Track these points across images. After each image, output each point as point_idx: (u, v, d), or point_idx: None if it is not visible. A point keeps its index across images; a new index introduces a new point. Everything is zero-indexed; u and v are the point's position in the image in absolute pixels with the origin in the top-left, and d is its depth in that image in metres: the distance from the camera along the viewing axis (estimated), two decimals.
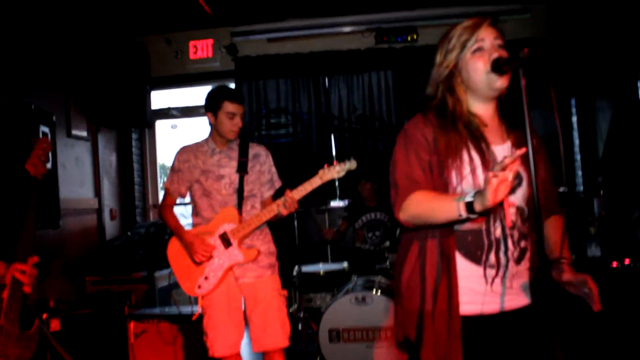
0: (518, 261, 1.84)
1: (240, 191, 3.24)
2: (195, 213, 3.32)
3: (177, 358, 4.01)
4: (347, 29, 5.93)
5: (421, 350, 1.83)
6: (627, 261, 3.78)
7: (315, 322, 4.24)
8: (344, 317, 3.83)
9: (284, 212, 3.08)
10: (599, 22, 4.98)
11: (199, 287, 3.17)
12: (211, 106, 3.19)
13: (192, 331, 3.96)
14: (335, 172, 3.07)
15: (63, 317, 3.81)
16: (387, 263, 4.48)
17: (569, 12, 5.22)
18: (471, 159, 1.82)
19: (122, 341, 4.04)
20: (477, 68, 1.83)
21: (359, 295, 3.84)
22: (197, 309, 3.25)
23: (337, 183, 5.89)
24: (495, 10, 5.50)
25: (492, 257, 1.83)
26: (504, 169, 1.49)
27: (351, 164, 3.06)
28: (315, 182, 3.06)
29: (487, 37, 1.84)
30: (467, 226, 1.84)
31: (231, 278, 3.20)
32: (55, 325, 3.79)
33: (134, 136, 6.22)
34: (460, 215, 1.64)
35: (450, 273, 1.82)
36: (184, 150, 3.33)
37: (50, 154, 2.80)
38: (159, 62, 6.05)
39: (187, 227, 3.33)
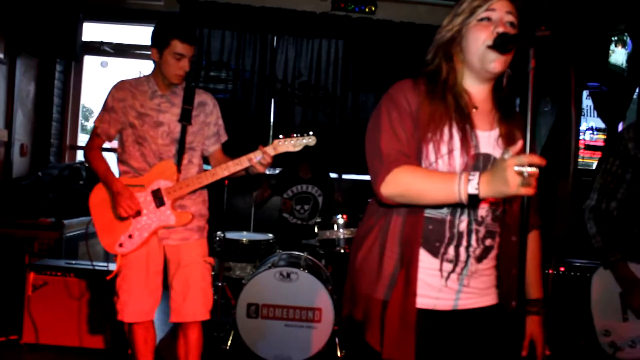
0: (479, 259, 1.70)
1: (181, 143, 2.90)
2: (122, 161, 2.94)
3: (80, 319, 3.67)
4: None
5: (366, 333, 1.74)
6: (562, 269, 3.78)
7: (233, 293, 4.02)
8: (265, 292, 3.62)
9: (261, 168, 2.79)
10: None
11: (121, 245, 2.85)
12: (157, 42, 2.80)
13: (103, 290, 3.64)
14: (291, 145, 2.80)
15: None
16: (316, 240, 4.31)
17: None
18: (451, 138, 1.64)
19: (17, 293, 3.66)
20: (477, 38, 1.64)
21: (284, 270, 3.64)
22: (115, 267, 2.91)
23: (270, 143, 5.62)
24: None
25: (450, 251, 1.68)
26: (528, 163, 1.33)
27: (309, 140, 2.79)
28: (268, 152, 2.77)
29: (499, 9, 1.65)
30: (430, 212, 1.67)
31: (154, 239, 2.90)
32: None
33: (58, 68, 5.68)
34: (460, 200, 1.48)
35: (411, 263, 1.66)
36: (120, 87, 2.93)
37: None
38: None
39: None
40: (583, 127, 6.45)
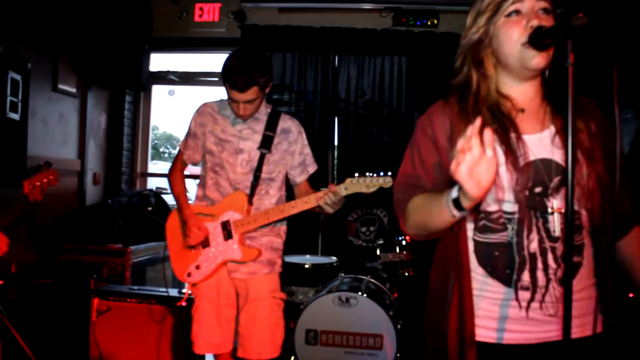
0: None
1: (257, 172, 2.79)
2: (200, 186, 2.93)
3: (147, 346, 3.59)
4: (364, 5, 5.46)
5: None
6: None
7: (293, 319, 3.92)
8: (324, 318, 3.49)
9: (330, 210, 2.64)
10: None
11: (189, 274, 2.84)
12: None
13: (176, 317, 3.55)
14: (364, 185, 2.60)
15: (21, 285, 3.49)
16: (379, 262, 4.14)
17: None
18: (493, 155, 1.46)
19: (83, 318, 3.70)
20: (510, 37, 1.46)
21: (343, 295, 3.50)
22: (185, 293, 2.97)
23: (335, 169, 5.53)
24: None
25: (525, 277, 1.46)
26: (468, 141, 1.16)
27: (385, 181, 2.57)
28: (339, 192, 2.62)
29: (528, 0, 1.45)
30: (493, 237, 1.48)
31: (224, 270, 2.85)
32: (11, 293, 3.49)
33: (127, 98, 5.85)
34: (453, 216, 1.31)
35: (463, 292, 1.47)
36: (202, 111, 2.89)
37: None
38: (161, 21, 5.67)
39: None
40: None
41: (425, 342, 1.64)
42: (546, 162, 1.48)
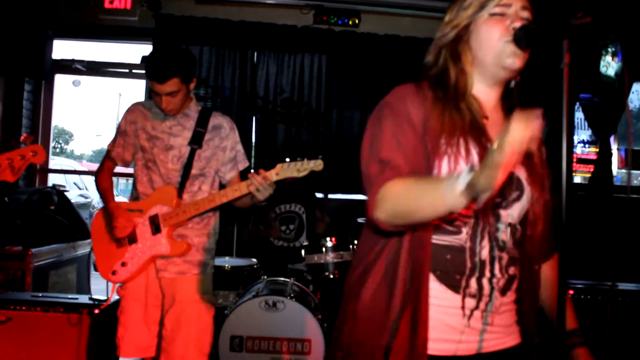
0: (504, 291, 1.45)
1: (187, 167, 2.71)
2: (133, 185, 2.84)
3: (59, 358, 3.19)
4: (286, 1, 5.37)
5: None
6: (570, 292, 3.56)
7: (216, 324, 3.76)
8: (249, 324, 3.36)
9: (260, 197, 2.55)
10: None
11: (114, 272, 2.70)
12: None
13: (93, 324, 3.17)
14: (295, 170, 2.54)
15: None
16: (303, 264, 4.05)
17: None
18: (468, 153, 1.38)
19: None
20: (492, 34, 1.41)
21: (270, 299, 3.39)
22: (109, 297, 2.82)
23: (252, 168, 5.38)
24: (445, 6, 5.18)
25: (473, 284, 1.41)
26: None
27: (316, 165, 2.53)
28: (269, 177, 2.54)
29: (515, 3, 1.42)
30: (446, 239, 1.41)
31: (152, 270, 2.71)
32: None
33: (27, 87, 5.40)
34: (455, 207, 1.16)
35: (419, 299, 1.37)
36: (132, 109, 2.83)
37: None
38: (68, 6, 5.29)
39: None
40: (574, 140, 6.30)
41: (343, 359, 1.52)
42: (509, 175, 1.43)
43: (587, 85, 5.23)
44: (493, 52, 1.42)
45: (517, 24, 1.38)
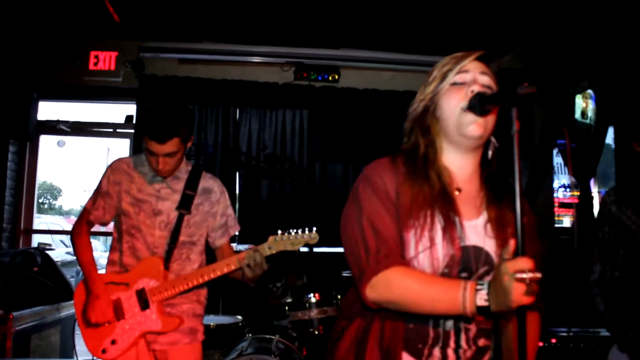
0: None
1: (174, 234, 2.56)
2: (113, 248, 2.66)
3: None
4: (266, 59, 5.52)
5: None
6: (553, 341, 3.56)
7: None
8: None
9: (250, 274, 2.44)
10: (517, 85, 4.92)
11: (104, 350, 2.53)
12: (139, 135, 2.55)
13: None
14: (289, 243, 2.45)
15: None
16: (287, 321, 4.02)
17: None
18: (432, 228, 1.42)
19: None
20: (451, 104, 1.46)
21: (254, 358, 3.35)
22: None
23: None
24: (419, 60, 5.33)
25: (436, 353, 1.44)
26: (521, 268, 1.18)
27: (311, 237, 2.44)
28: (261, 252, 2.44)
29: (472, 70, 1.48)
30: None
31: (142, 343, 2.58)
32: None
33: (11, 149, 5.42)
34: (464, 312, 1.28)
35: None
36: (116, 167, 2.64)
37: None
38: (52, 68, 5.39)
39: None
40: (555, 185, 6.39)
41: None
42: (477, 250, 1.47)
43: (563, 132, 5.36)
44: (453, 120, 1.46)
45: (475, 88, 1.43)
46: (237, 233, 2.77)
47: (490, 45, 5.28)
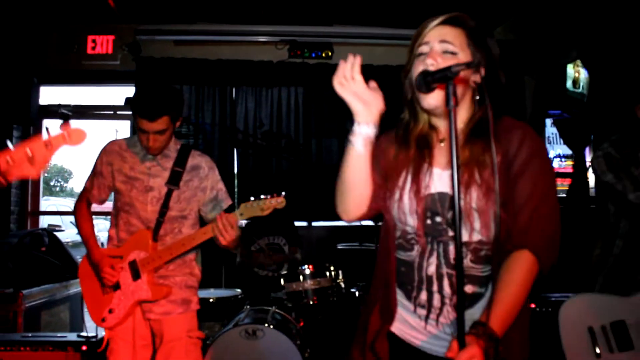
0: (459, 308, 1.48)
1: (163, 210, 2.71)
2: (111, 225, 2.83)
3: None
4: (260, 38, 5.59)
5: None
6: (532, 305, 3.68)
7: None
8: (231, 353, 3.45)
9: (224, 241, 2.52)
10: (509, 57, 4.98)
11: (104, 319, 2.72)
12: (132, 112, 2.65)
13: None
14: (259, 209, 2.52)
15: None
16: (283, 292, 4.16)
17: None
18: (404, 183, 1.60)
19: None
20: (413, 78, 1.54)
21: (250, 328, 3.49)
22: (104, 339, 2.80)
23: (236, 200, 5.54)
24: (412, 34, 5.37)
25: (422, 296, 1.58)
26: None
27: (278, 202, 2.52)
28: (234, 218, 2.53)
29: (432, 40, 1.54)
30: (402, 255, 1.63)
31: (139, 312, 2.75)
32: None
33: (15, 133, 5.57)
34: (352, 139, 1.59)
35: (388, 295, 1.66)
36: (109, 149, 2.78)
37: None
38: (52, 54, 5.51)
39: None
40: (551, 155, 6.45)
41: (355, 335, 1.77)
42: (442, 196, 1.57)
43: (555, 102, 5.42)
44: (414, 93, 1.57)
45: (429, 62, 1.49)
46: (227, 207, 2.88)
47: (481, 18, 5.33)
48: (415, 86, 1.48)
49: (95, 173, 2.82)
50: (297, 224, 5.03)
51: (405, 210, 1.59)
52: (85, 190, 2.86)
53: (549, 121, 6.17)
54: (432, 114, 1.61)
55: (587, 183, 5.73)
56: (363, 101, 1.55)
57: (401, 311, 1.65)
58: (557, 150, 6.43)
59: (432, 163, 1.60)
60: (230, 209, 2.77)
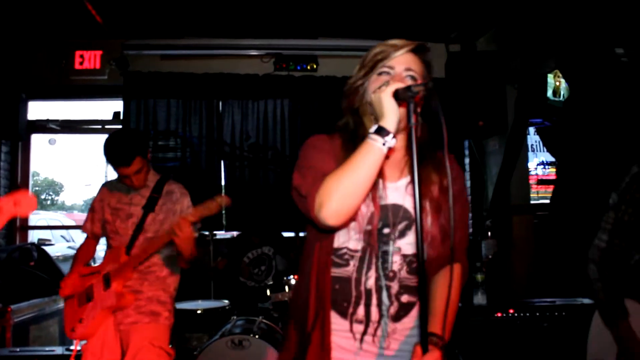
0: (397, 318, 1.61)
1: (137, 229, 2.94)
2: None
3: None
4: (246, 52, 5.68)
5: None
6: (511, 311, 3.75)
7: None
8: None
9: (178, 240, 2.67)
10: (492, 67, 5.07)
11: (73, 329, 2.89)
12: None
13: None
14: (206, 210, 2.70)
15: None
16: (269, 302, 4.22)
17: (464, 55, 5.29)
18: None
19: None
20: (376, 91, 1.59)
21: (236, 338, 3.55)
22: (74, 350, 2.97)
23: (223, 213, 5.59)
24: None
25: (360, 311, 1.61)
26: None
27: (221, 200, 2.70)
28: (187, 218, 2.70)
29: (400, 64, 1.63)
30: (336, 271, 1.62)
31: (111, 324, 2.87)
32: None
33: (3, 149, 5.63)
34: (381, 144, 1.46)
35: (324, 324, 1.59)
36: (102, 189, 3.13)
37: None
38: (40, 69, 5.56)
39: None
40: (534, 162, 6.56)
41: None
42: (396, 207, 1.65)
43: (536, 111, 5.52)
44: (378, 105, 1.58)
45: (398, 85, 1.54)
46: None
47: (463, 29, 5.44)
48: (394, 97, 1.54)
49: (90, 209, 3.14)
50: (284, 234, 5.10)
51: (361, 219, 1.60)
52: (84, 227, 3.15)
53: (532, 129, 6.28)
54: None
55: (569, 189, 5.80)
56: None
57: (335, 337, 1.62)
58: (541, 158, 6.54)
59: (383, 175, 1.65)
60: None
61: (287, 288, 4.10)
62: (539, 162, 6.50)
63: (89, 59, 5.65)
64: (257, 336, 3.55)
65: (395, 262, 1.63)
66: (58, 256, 7.91)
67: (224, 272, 4.99)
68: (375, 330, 1.61)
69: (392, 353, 1.63)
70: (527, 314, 3.62)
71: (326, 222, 1.49)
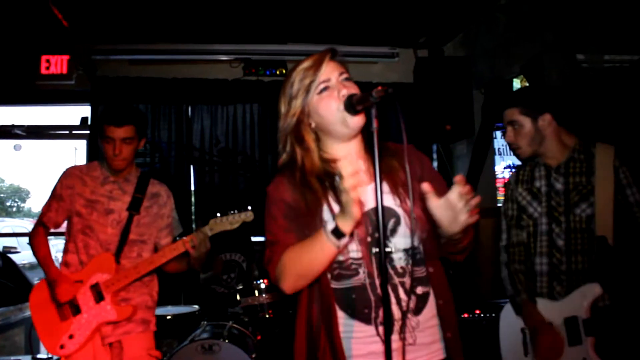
0: (418, 311, 1.65)
1: (124, 233, 2.80)
2: (66, 250, 2.85)
3: None
4: (215, 57, 5.67)
5: None
6: (477, 311, 3.82)
7: None
8: None
9: (195, 253, 2.68)
10: (459, 72, 5.16)
11: (62, 346, 2.70)
12: (97, 131, 2.84)
13: None
14: (228, 223, 2.71)
15: None
16: (240, 307, 4.22)
17: (432, 60, 5.37)
18: (332, 213, 1.65)
19: None
20: (329, 107, 1.66)
21: (206, 343, 3.55)
22: None
23: (193, 217, 5.58)
24: (365, 52, 5.54)
25: (382, 313, 1.60)
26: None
27: (247, 216, 2.71)
28: (204, 232, 2.71)
29: (331, 75, 1.69)
30: (348, 282, 1.65)
31: (98, 339, 2.76)
32: None
33: None
34: (337, 246, 1.50)
35: (333, 336, 1.61)
36: (69, 173, 2.88)
37: None
38: (4, 74, 5.41)
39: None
40: (501, 165, 6.66)
41: None
42: (375, 209, 1.66)
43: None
44: (336, 120, 1.67)
45: (344, 91, 1.64)
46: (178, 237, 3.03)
47: (431, 34, 5.52)
48: (344, 108, 1.63)
49: (54, 196, 2.87)
50: (254, 239, 5.10)
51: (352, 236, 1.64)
52: (42, 214, 2.89)
53: (498, 133, 6.37)
54: (344, 138, 1.73)
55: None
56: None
57: (362, 343, 1.63)
58: (507, 161, 6.63)
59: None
60: (182, 235, 2.89)
61: (256, 292, 4.11)
62: (505, 166, 6.59)
63: (55, 64, 5.55)
64: (227, 340, 3.55)
65: (400, 258, 1.67)
66: (24, 264, 7.78)
67: (193, 280, 4.97)
68: (401, 327, 1.63)
69: (416, 347, 1.65)
70: (493, 315, 3.68)
71: (284, 292, 1.64)
